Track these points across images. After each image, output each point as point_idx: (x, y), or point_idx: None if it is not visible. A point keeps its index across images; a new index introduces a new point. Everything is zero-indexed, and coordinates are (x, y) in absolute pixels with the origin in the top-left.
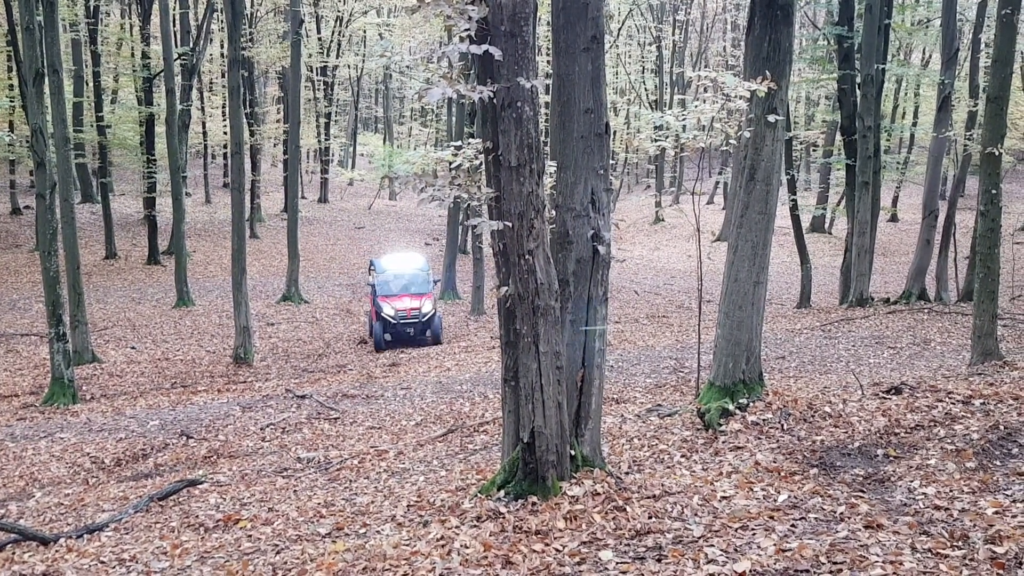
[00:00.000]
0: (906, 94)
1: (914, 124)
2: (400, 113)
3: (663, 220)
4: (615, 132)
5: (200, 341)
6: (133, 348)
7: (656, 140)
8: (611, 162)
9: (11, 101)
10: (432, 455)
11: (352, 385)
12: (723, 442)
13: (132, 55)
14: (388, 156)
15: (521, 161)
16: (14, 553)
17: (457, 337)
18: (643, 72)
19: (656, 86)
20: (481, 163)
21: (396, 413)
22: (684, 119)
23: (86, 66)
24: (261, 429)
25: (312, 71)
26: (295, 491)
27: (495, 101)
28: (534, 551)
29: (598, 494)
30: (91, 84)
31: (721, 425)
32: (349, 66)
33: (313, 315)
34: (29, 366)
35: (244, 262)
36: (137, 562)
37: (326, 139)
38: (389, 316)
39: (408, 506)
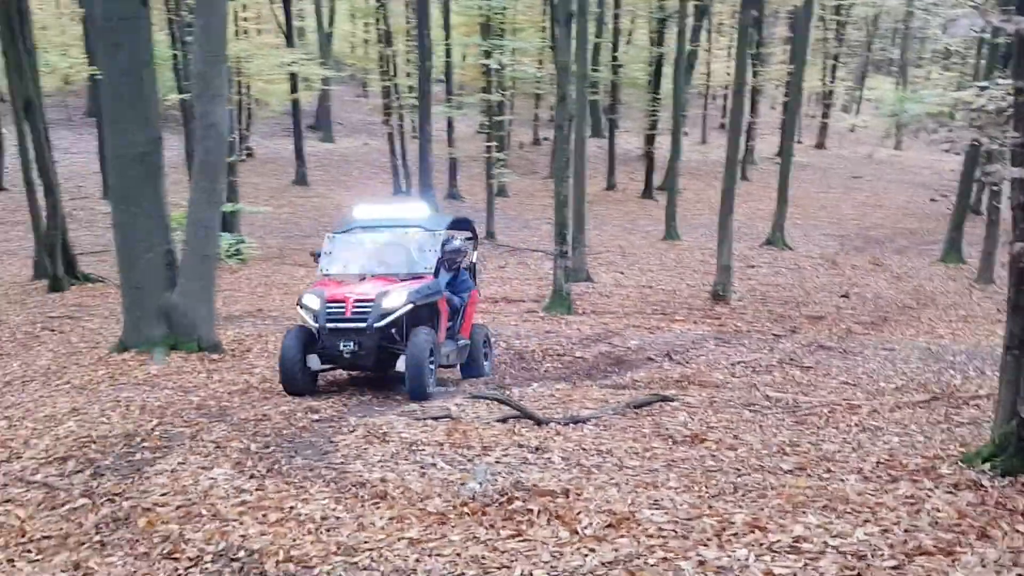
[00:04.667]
0: None
1: None
2: (919, 55)
3: None
4: None
5: (681, 275)
6: (621, 273)
7: None
8: None
9: (542, 41)
10: (910, 419)
11: (828, 337)
12: None
13: None
14: (899, 102)
15: None
16: (515, 427)
17: (955, 305)
18: None
19: None
20: (1009, 105)
21: (874, 373)
22: None
23: (608, 8)
24: (732, 365)
25: (825, 9)
26: (760, 426)
27: None
28: (1017, 531)
29: None
30: (611, 26)
31: None
32: (866, 3)
33: (795, 262)
34: (534, 278)
35: (732, 202)
36: (613, 455)
37: (831, 82)
38: (310, 311)
39: (877, 463)
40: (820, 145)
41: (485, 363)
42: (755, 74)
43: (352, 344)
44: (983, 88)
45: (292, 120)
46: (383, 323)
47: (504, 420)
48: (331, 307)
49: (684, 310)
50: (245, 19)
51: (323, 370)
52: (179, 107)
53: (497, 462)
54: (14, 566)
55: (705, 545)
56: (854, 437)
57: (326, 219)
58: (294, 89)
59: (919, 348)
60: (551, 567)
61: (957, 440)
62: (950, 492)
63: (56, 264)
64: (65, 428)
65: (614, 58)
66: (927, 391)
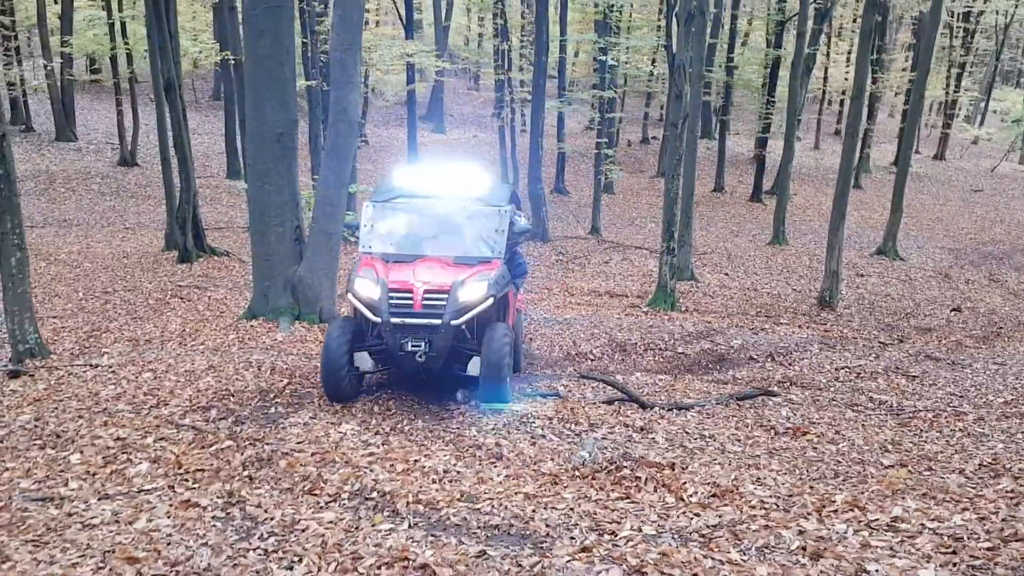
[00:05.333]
0: None
1: None
2: None
3: None
4: None
5: (788, 279)
6: (726, 275)
7: None
8: None
9: (657, 40)
10: (1017, 428)
11: (937, 348)
12: None
13: None
14: None
15: None
16: (620, 408)
17: None
18: None
19: None
20: None
21: (982, 385)
22: None
23: (725, 9)
24: (835, 369)
25: (952, 16)
26: (863, 425)
27: None
28: None
29: None
30: (727, 27)
31: None
32: (997, 12)
33: (907, 274)
34: (638, 274)
35: (845, 208)
36: (715, 440)
37: (955, 91)
38: (366, 301)
39: (980, 465)
40: (939, 156)
41: (521, 357)
42: (875, 80)
43: (422, 344)
44: None
45: (407, 110)
46: (461, 320)
47: (609, 402)
48: (395, 298)
49: (789, 314)
50: (367, 10)
51: (375, 371)
52: (304, 93)
53: (604, 437)
54: (174, 491)
55: (805, 518)
56: (957, 441)
57: None
58: (410, 80)
59: None
60: (659, 525)
61: None
62: None
63: (186, 236)
64: (204, 382)
65: (729, 59)
66: None
